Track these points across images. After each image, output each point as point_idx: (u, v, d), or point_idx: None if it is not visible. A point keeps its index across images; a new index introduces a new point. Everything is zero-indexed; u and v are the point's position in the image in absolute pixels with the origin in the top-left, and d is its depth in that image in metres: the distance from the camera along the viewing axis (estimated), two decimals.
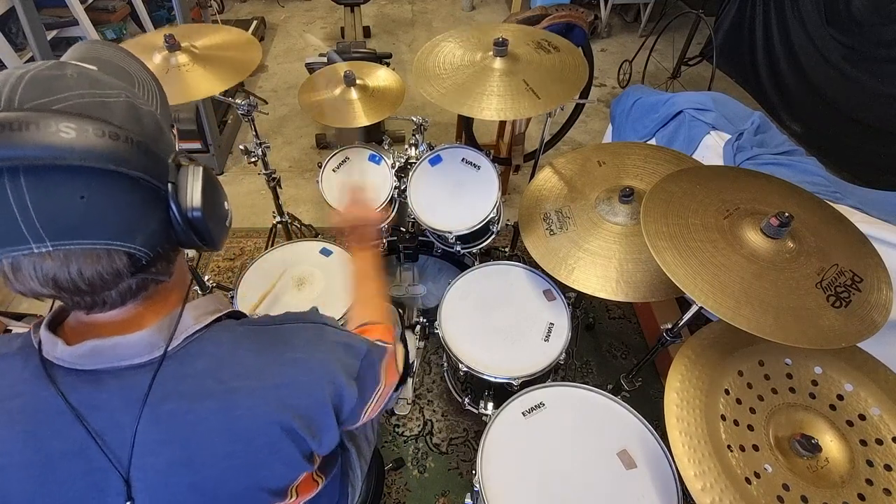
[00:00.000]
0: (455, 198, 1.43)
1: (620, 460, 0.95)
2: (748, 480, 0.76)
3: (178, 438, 0.48)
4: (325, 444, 0.56)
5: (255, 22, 3.78)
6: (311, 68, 2.51)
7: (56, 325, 0.51)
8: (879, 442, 0.80)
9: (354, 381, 0.59)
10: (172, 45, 1.28)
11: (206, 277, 1.67)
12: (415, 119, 1.57)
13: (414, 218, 1.46)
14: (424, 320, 1.69)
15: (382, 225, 0.95)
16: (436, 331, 1.26)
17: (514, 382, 1.15)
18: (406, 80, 2.21)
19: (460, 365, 1.19)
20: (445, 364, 1.59)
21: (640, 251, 1.11)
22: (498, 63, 1.23)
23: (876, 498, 0.75)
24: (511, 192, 2.52)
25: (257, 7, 4.45)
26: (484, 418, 1.23)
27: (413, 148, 1.59)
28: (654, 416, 0.98)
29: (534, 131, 2.81)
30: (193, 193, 0.46)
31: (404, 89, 1.58)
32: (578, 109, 2.39)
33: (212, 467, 0.50)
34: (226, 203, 0.54)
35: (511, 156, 2.33)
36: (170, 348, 0.49)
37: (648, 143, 1.78)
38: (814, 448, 0.77)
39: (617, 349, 1.87)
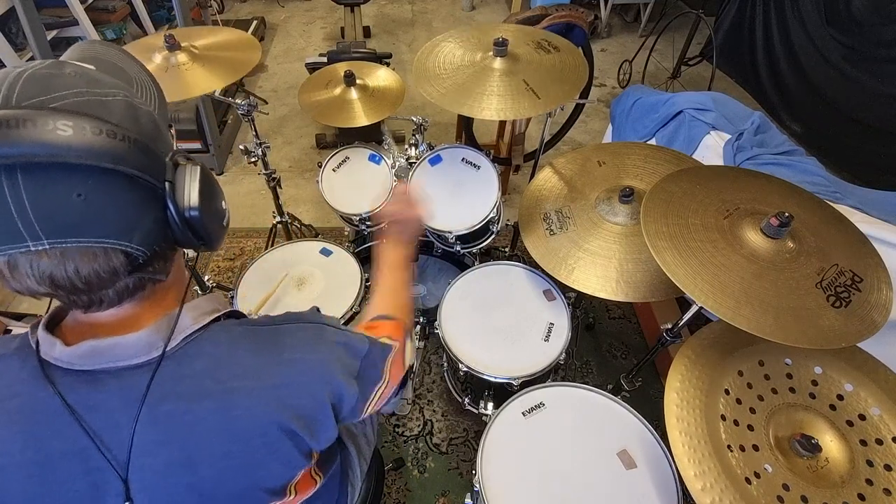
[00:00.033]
0: (455, 198, 1.43)
1: (620, 460, 0.95)
2: (748, 480, 0.76)
3: (176, 439, 0.48)
4: (322, 441, 0.56)
5: (255, 22, 3.78)
6: (311, 68, 2.51)
7: (54, 325, 0.51)
8: (879, 442, 0.80)
9: (355, 379, 0.59)
10: (172, 45, 1.29)
11: (206, 277, 1.67)
12: (415, 119, 1.57)
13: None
14: (424, 320, 1.69)
15: (424, 226, 0.96)
16: (436, 331, 1.26)
17: (514, 382, 1.15)
18: (406, 80, 2.21)
19: (460, 365, 1.19)
20: (445, 364, 1.59)
21: (640, 251, 1.10)
22: (498, 63, 1.23)
23: (876, 498, 0.75)
24: (511, 192, 2.52)
25: (257, 7, 4.45)
26: (484, 418, 1.23)
27: (413, 148, 1.59)
28: (654, 416, 0.98)
29: (534, 131, 2.81)
30: (191, 192, 0.46)
31: (404, 89, 1.58)
32: (578, 109, 2.39)
33: (210, 467, 0.50)
34: (223, 202, 0.54)
35: (511, 156, 2.33)
36: (168, 349, 0.49)
37: (648, 143, 1.78)
38: (814, 448, 0.77)
39: (617, 349, 1.87)
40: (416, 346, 1.71)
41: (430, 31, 4.05)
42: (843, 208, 1.26)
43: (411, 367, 0.77)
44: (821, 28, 2.63)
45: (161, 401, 0.48)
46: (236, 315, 0.59)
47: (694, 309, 0.93)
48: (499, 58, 1.23)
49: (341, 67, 1.56)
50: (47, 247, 0.40)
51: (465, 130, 2.37)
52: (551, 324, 1.25)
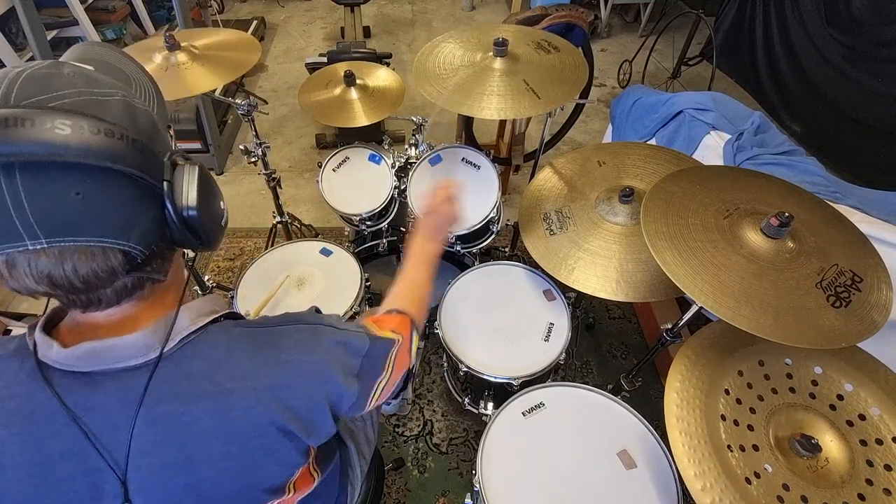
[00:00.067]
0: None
1: (620, 460, 0.94)
2: (748, 480, 0.76)
3: (173, 440, 0.48)
4: (321, 436, 0.57)
5: (255, 22, 3.78)
6: (311, 68, 2.51)
7: (51, 327, 0.51)
8: (879, 442, 0.80)
9: (355, 377, 0.59)
10: (172, 45, 1.29)
11: (206, 277, 1.67)
12: (415, 119, 1.57)
13: (414, 217, 1.46)
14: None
15: (456, 226, 0.96)
16: (436, 331, 1.26)
17: (514, 382, 1.15)
18: (406, 80, 2.21)
19: (460, 365, 1.19)
20: (445, 364, 1.58)
21: (640, 251, 1.10)
22: (498, 63, 1.22)
23: (876, 498, 0.75)
24: (511, 192, 2.52)
25: (257, 7, 4.45)
26: (484, 418, 1.23)
27: (413, 148, 1.59)
28: (654, 416, 0.98)
29: (534, 131, 2.81)
30: (189, 192, 0.46)
31: (404, 89, 1.58)
32: (578, 109, 2.39)
33: (207, 468, 0.50)
34: (222, 203, 0.54)
35: (511, 156, 2.33)
36: (165, 350, 0.49)
37: (648, 143, 1.78)
38: (814, 448, 0.77)
39: (617, 349, 1.87)
40: (417, 346, 1.71)
41: (430, 31, 4.05)
42: (843, 208, 1.26)
43: (412, 368, 0.77)
44: (821, 28, 2.62)
45: (159, 402, 0.48)
46: (234, 316, 0.59)
47: (694, 309, 0.93)
48: (499, 58, 1.23)
49: (341, 67, 1.56)
50: (45, 246, 0.40)
51: (465, 130, 2.37)
52: (551, 324, 1.25)
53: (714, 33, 2.94)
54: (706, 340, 0.93)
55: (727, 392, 0.86)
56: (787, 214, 0.81)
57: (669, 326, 1.08)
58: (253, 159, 1.61)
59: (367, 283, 1.36)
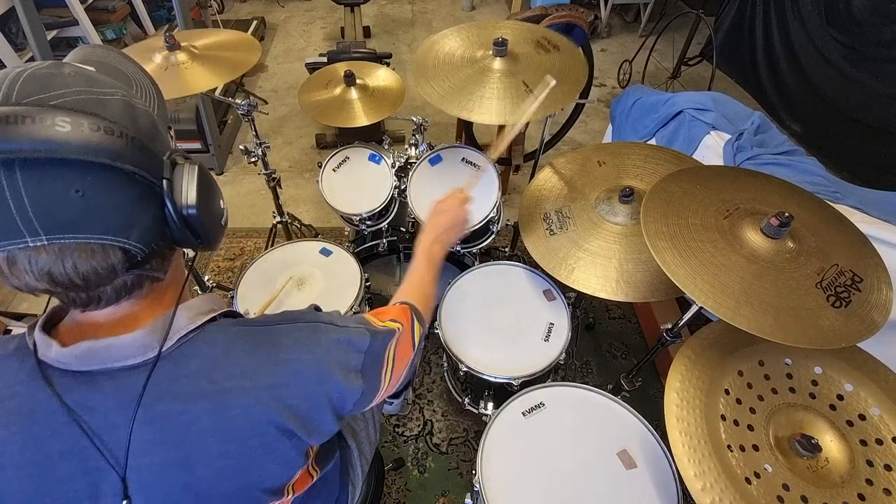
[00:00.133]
0: None
1: (620, 460, 0.94)
2: (748, 480, 0.76)
3: (172, 439, 0.48)
4: (323, 435, 0.57)
5: (255, 22, 3.78)
6: (311, 68, 2.51)
7: (51, 326, 0.51)
8: (879, 442, 0.80)
9: (358, 373, 0.58)
10: (172, 45, 1.29)
11: (206, 277, 1.67)
12: (415, 119, 1.57)
13: (414, 218, 1.46)
14: None
15: (465, 230, 1.00)
16: (436, 331, 1.26)
17: (514, 382, 1.15)
18: (406, 80, 2.21)
19: (460, 365, 1.19)
20: (445, 364, 1.59)
21: (640, 251, 1.10)
22: (498, 63, 1.23)
23: (876, 498, 0.75)
24: (511, 192, 2.52)
25: (257, 7, 4.45)
26: (484, 418, 1.23)
27: (413, 148, 1.59)
28: (654, 416, 0.98)
29: (534, 131, 2.81)
30: (188, 191, 0.46)
31: (404, 89, 1.58)
32: (578, 109, 2.39)
33: (206, 467, 0.50)
34: (221, 202, 0.54)
35: (511, 156, 2.33)
36: (164, 349, 0.49)
37: (648, 143, 1.78)
38: (814, 448, 0.77)
39: (617, 349, 1.87)
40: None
41: (430, 32, 4.05)
42: (843, 208, 1.26)
43: (414, 367, 0.77)
44: (821, 28, 2.62)
45: (157, 401, 0.48)
46: (233, 315, 0.59)
47: (694, 309, 0.93)
48: (498, 58, 1.23)
49: (341, 67, 1.56)
50: (45, 243, 0.40)
51: (465, 130, 2.37)
52: (551, 324, 1.25)
53: (714, 33, 2.94)
54: (706, 340, 0.93)
55: (727, 392, 0.86)
56: (787, 214, 0.81)
57: (669, 326, 1.08)
58: (253, 159, 1.61)
59: (367, 283, 1.36)
